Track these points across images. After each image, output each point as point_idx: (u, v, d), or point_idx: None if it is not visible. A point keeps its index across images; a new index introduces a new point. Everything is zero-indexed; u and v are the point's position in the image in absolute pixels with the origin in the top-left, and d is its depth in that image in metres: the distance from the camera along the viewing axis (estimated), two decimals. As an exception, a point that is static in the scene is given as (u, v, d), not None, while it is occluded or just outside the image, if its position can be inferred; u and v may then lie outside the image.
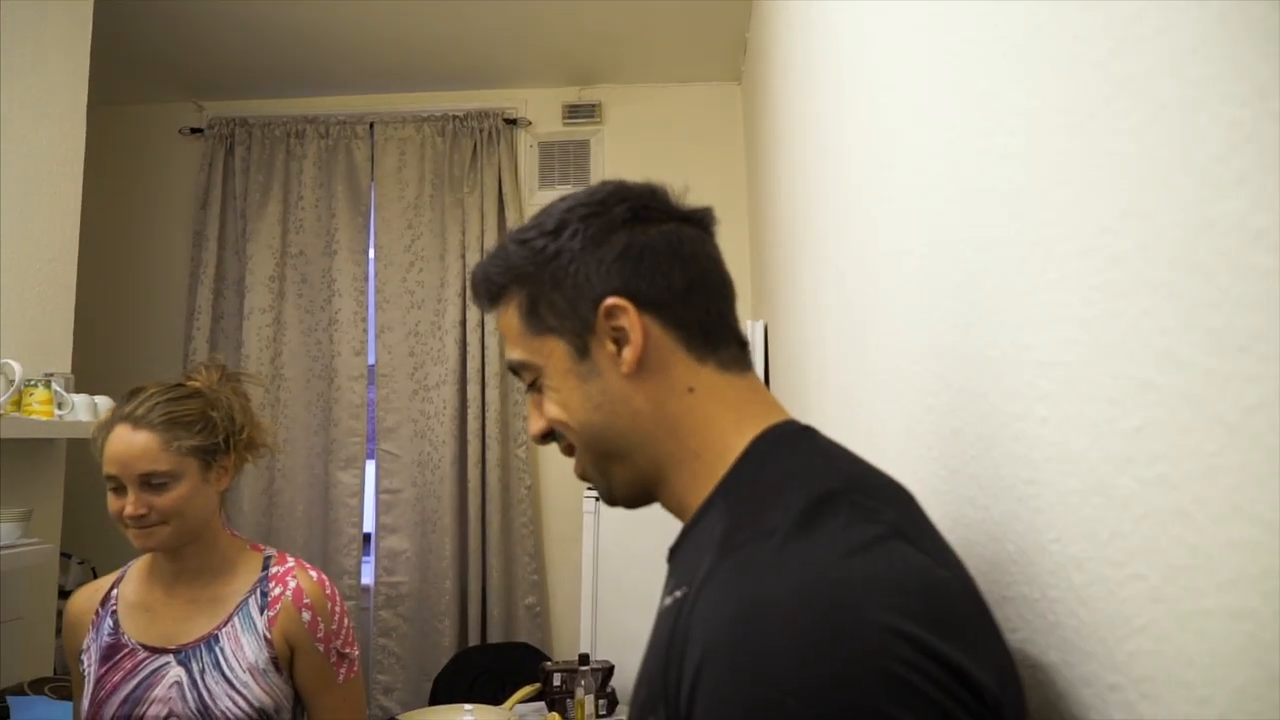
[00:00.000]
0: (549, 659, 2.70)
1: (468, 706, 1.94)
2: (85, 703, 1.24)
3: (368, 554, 3.32)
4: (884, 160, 1.06)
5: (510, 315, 0.71)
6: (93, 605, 1.30)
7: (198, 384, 1.33)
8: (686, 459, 0.67)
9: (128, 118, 3.49)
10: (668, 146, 3.41)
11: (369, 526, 3.30)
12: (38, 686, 1.91)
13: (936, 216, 0.84)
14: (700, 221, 0.73)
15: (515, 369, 0.72)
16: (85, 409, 2.13)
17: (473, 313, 3.25)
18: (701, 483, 0.65)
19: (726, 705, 0.48)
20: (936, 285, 0.83)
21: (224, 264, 3.38)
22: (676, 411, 0.67)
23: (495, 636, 3.11)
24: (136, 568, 1.31)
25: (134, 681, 1.23)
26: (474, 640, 3.12)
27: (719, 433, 0.66)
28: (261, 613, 1.26)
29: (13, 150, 2.14)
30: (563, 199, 0.72)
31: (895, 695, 0.45)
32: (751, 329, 2.60)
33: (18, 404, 1.90)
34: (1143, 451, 0.48)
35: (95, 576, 2.97)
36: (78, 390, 2.16)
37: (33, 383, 1.94)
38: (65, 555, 2.59)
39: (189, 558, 1.27)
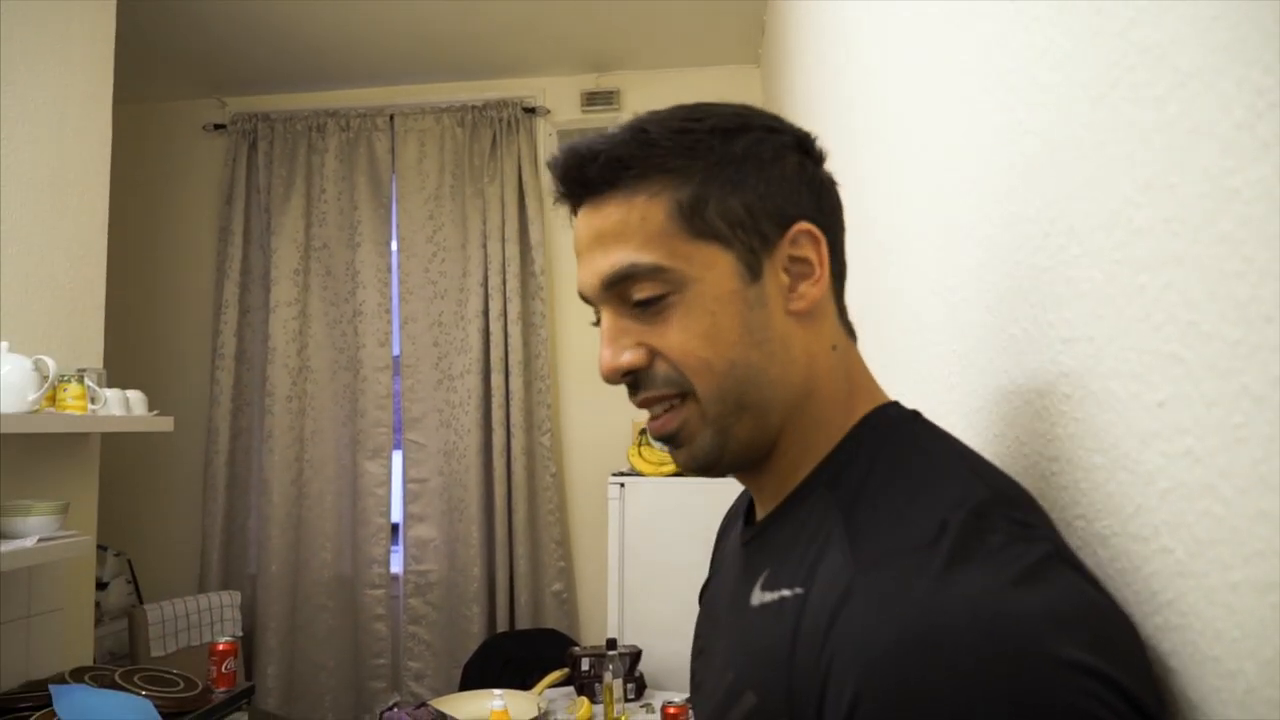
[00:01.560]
0: (576, 644, 2.71)
1: (498, 691, 1.96)
2: None
3: (396, 543, 3.36)
4: (903, 139, 1.05)
5: (649, 209, 0.56)
6: None
7: None
8: (809, 428, 0.58)
9: (152, 115, 3.53)
10: (687, 132, 3.40)
11: (397, 516, 3.34)
12: (78, 675, 1.96)
13: (956, 195, 0.83)
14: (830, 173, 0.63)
15: (633, 276, 0.57)
16: (118, 403, 2.17)
17: (495, 302, 3.26)
18: (806, 459, 0.58)
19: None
20: (957, 263, 0.83)
21: (249, 258, 3.42)
22: (821, 370, 0.59)
23: (523, 623, 3.14)
24: None
25: None
26: (502, 627, 3.15)
27: (841, 405, 0.59)
28: None
29: (41, 149, 2.18)
30: (709, 105, 0.60)
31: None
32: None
33: (52, 399, 1.94)
34: (1168, 425, 0.47)
35: (131, 568, 3.03)
36: (110, 385, 2.20)
37: (66, 378, 1.98)
38: (101, 547, 2.65)
39: None
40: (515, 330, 3.24)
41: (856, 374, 0.61)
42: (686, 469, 0.60)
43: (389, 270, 3.38)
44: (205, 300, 3.46)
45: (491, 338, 3.26)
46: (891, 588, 0.46)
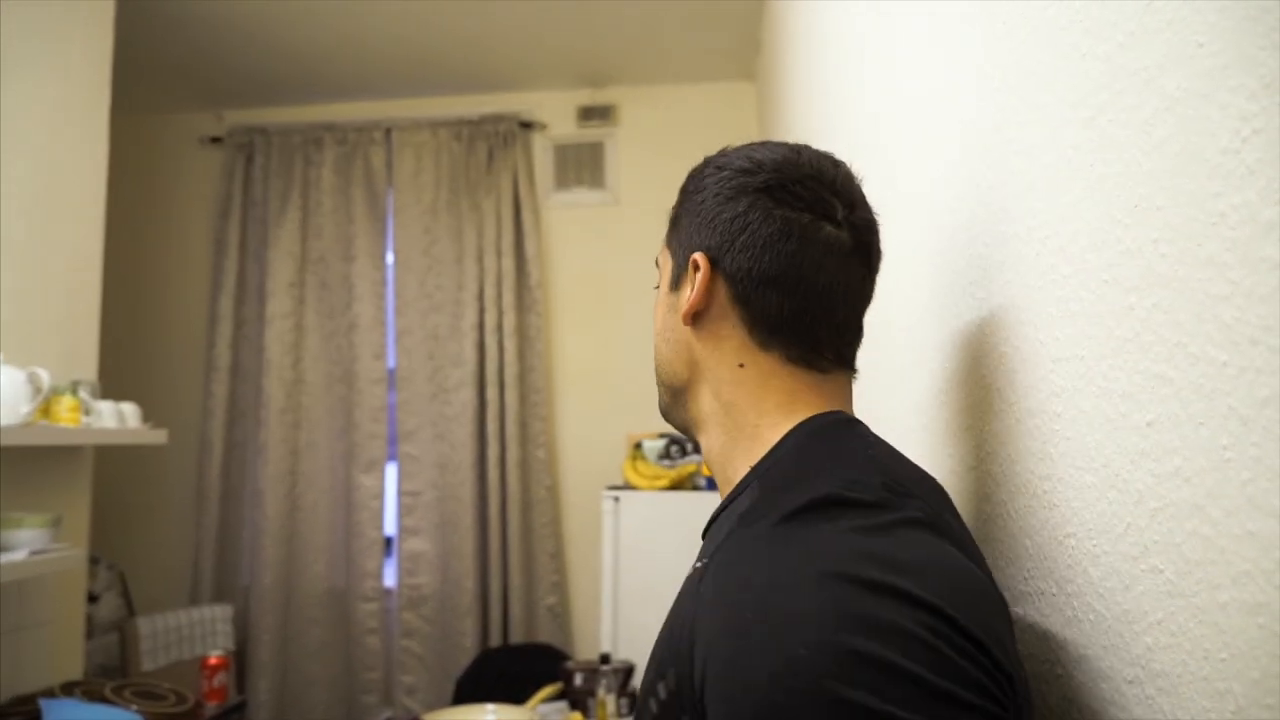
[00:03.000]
0: (570, 659, 2.70)
1: (490, 706, 1.95)
2: None
3: (390, 556, 3.35)
4: (897, 156, 1.06)
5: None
6: None
7: None
8: (730, 429, 0.68)
9: (148, 127, 3.54)
10: (682, 145, 3.40)
11: (390, 529, 3.33)
12: (68, 689, 1.95)
13: (950, 212, 0.84)
14: (859, 225, 0.69)
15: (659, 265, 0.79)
16: (111, 416, 2.16)
17: (490, 316, 3.27)
18: (742, 459, 0.66)
19: (731, 678, 0.48)
20: (950, 281, 0.83)
21: (245, 271, 3.42)
22: (727, 379, 0.69)
23: (517, 637, 3.13)
24: None
25: None
26: (495, 641, 3.14)
27: (764, 414, 0.67)
28: None
29: (37, 160, 2.18)
30: (757, 146, 0.73)
31: (882, 640, 0.45)
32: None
33: (46, 411, 1.94)
34: (1156, 445, 0.47)
35: (123, 581, 3.02)
36: (104, 397, 2.20)
37: (60, 390, 1.98)
38: (93, 559, 2.64)
39: None
40: (510, 344, 3.25)
41: (797, 391, 0.67)
42: None
43: (384, 284, 3.38)
44: (200, 313, 3.46)
45: (486, 351, 3.26)
46: (742, 545, 0.55)
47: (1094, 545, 0.55)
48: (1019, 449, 0.67)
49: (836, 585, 0.48)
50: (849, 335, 0.70)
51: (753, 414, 0.67)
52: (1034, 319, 0.63)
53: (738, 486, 0.65)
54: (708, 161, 0.74)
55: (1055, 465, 0.61)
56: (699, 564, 0.59)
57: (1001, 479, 0.71)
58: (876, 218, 0.71)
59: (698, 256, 0.69)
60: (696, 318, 0.69)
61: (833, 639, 0.46)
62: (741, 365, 0.68)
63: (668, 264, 0.74)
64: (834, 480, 0.56)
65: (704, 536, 0.71)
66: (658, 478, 2.71)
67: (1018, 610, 0.67)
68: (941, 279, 0.87)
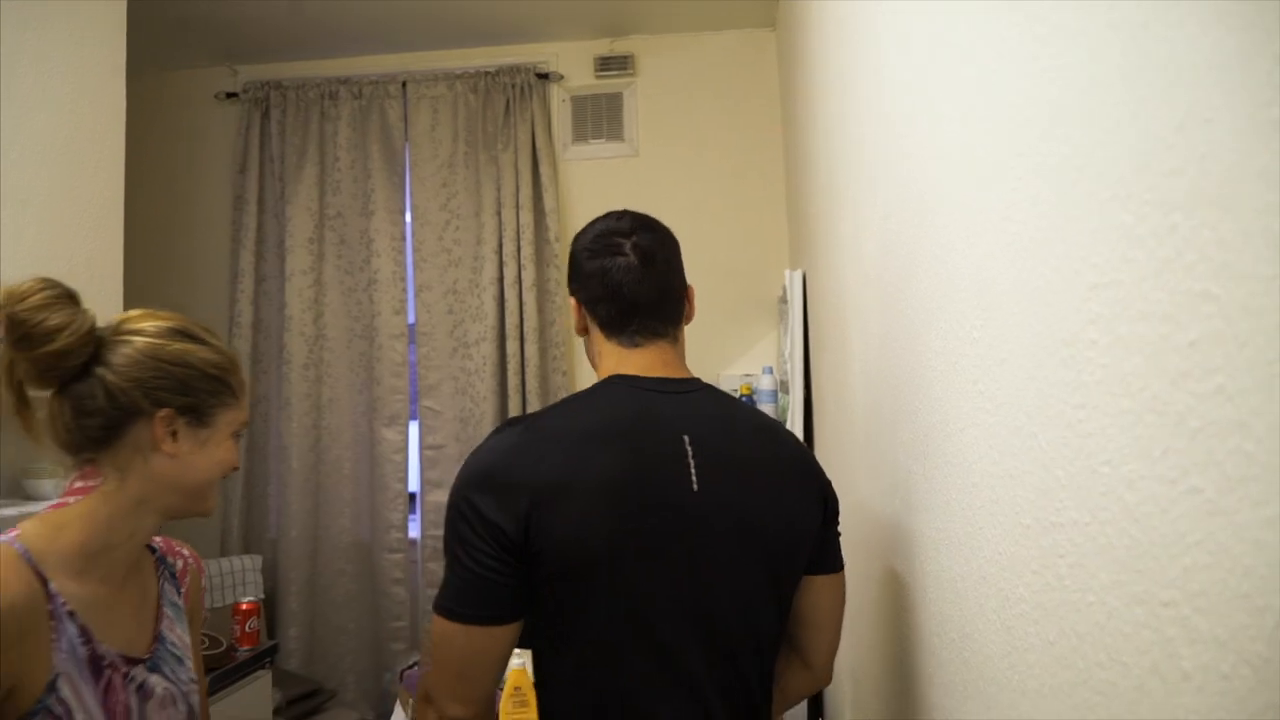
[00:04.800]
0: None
1: (516, 650, 1.98)
2: None
3: (414, 511, 3.39)
4: (926, 97, 1.04)
5: None
6: (42, 610, 0.91)
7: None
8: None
9: (164, 84, 3.53)
10: (702, 95, 3.37)
11: (414, 482, 3.37)
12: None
13: (982, 145, 0.82)
14: (644, 252, 1.13)
15: None
16: (138, 369, 2.18)
17: (509, 269, 3.26)
18: None
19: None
20: (982, 219, 0.82)
21: (264, 227, 3.43)
22: (596, 360, 1.17)
23: (540, 587, 3.17)
24: (52, 561, 0.94)
25: (135, 702, 0.98)
26: (519, 591, 3.18)
27: (601, 371, 1.14)
28: (178, 591, 1.12)
29: (56, 117, 2.18)
30: (595, 223, 1.18)
31: (458, 510, 1.01)
32: (790, 279, 2.58)
33: (75, 364, 1.96)
34: (1198, 366, 0.47)
35: (154, 533, 3.07)
36: (130, 351, 2.22)
37: (88, 344, 2.00)
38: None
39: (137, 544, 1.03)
40: (530, 297, 3.24)
41: (608, 363, 1.13)
42: None
43: (403, 238, 3.38)
44: (221, 269, 3.47)
45: (506, 305, 3.26)
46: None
47: (1130, 471, 0.55)
48: (1052, 379, 0.66)
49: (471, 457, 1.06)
50: (660, 315, 1.13)
51: (599, 372, 1.15)
52: (1071, 247, 0.62)
53: None
54: (576, 244, 1.18)
55: (1090, 393, 0.60)
56: None
57: (1033, 412, 0.71)
58: (653, 234, 1.14)
59: (571, 297, 1.18)
60: (582, 330, 1.18)
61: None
62: (599, 352, 1.16)
63: (570, 302, 1.19)
64: (548, 410, 1.09)
65: None
66: (678, 429, 2.72)
67: (1048, 540, 0.67)
68: (973, 217, 0.85)
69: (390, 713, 2.17)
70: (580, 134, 3.41)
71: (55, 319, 0.94)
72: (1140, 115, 0.52)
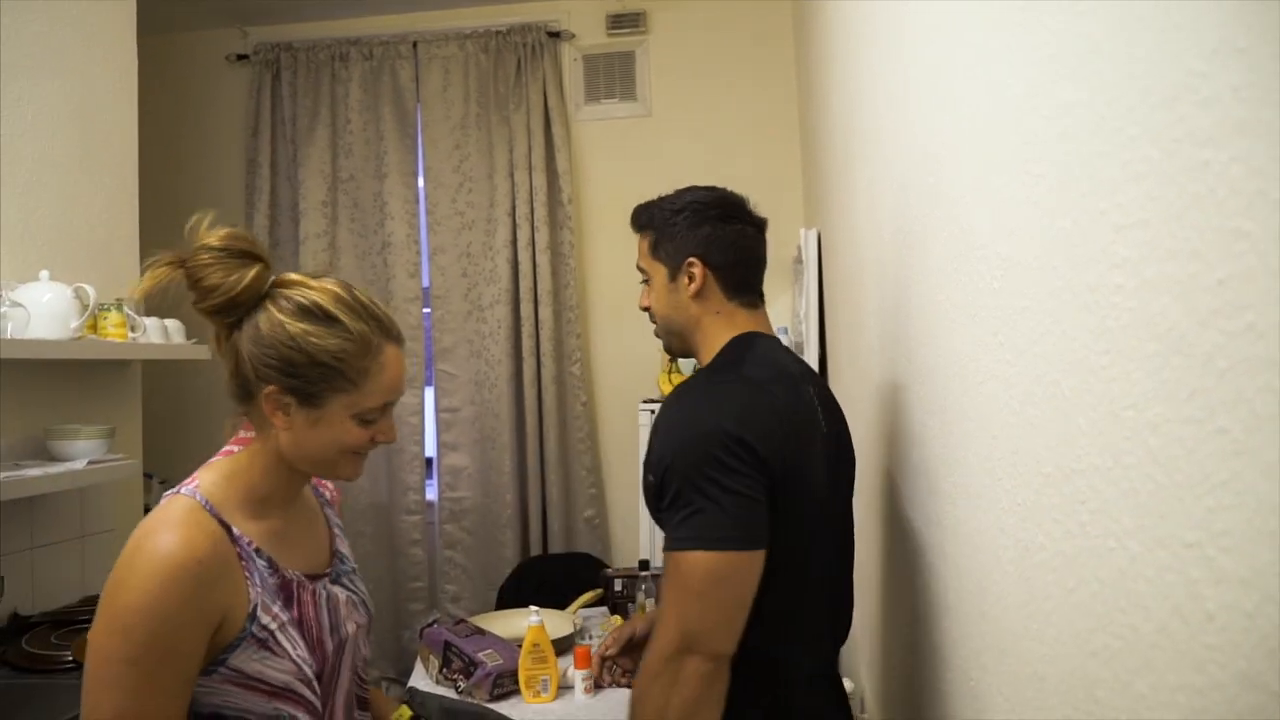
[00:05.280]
0: (609, 567, 2.77)
1: (534, 608, 2.01)
2: (299, 651, 1.02)
3: (430, 474, 3.42)
4: (945, 51, 1.01)
5: (644, 242, 1.30)
6: (229, 548, 1.00)
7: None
8: (707, 344, 1.26)
9: (173, 46, 3.51)
10: (716, 54, 3.32)
11: (430, 446, 3.39)
12: (132, 591, 2.02)
13: (1002, 93, 0.80)
14: (758, 224, 1.29)
15: (640, 269, 1.31)
16: (157, 332, 2.20)
17: (523, 232, 3.25)
18: (710, 356, 1.24)
19: (663, 457, 1.11)
20: (1003, 162, 0.81)
21: (277, 190, 3.42)
22: (707, 320, 1.26)
23: (556, 548, 3.21)
24: (230, 507, 1.03)
25: (325, 611, 1.09)
26: (535, 551, 3.22)
27: (724, 334, 1.24)
28: (332, 509, 1.25)
29: (69, 83, 2.17)
30: (689, 190, 1.27)
31: (712, 440, 1.07)
32: (805, 238, 2.56)
33: (94, 327, 1.98)
34: (1228, 304, 0.46)
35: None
36: (146, 315, 2.24)
37: (105, 307, 2.01)
38: (147, 475, 2.72)
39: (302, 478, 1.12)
40: (544, 260, 3.24)
41: (741, 323, 1.25)
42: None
43: (416, 201, 3.37)
44: (236, 233, 3.48)
45: (520, 268, 3.26)
46: (671, 401, 1.18)
47: (1154, 414, 0.54)
48: (1075, 325, 0.65)
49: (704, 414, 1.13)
50: (762, 280, 1.29)
51: (718, 335, 1.24)
52: (1095, 187, 0.61)
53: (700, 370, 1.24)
54: (661, 205, 1.28)
55: (1115, 339, 0.59)
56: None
57: (1055, 360, 0.70)
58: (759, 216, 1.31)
59: (694, 259, 1.24)
60: (697, 293, 1.24)
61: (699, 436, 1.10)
62: (718, 312, 1.25)
63: (659, 268, 1.27)
64: (734, 363, 1.19)
65: None
66: (693, 391, 2.72)
67: (1069, 488, 0.67)
68: (992, 160, 0.84)
69: (410, 670, 2.20)
70: (593, 94, 3.37)
71: (211, 279, 1.01)
72: (1170, 44, 0.50)
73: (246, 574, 1.00)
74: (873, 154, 1.57)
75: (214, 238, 1.03)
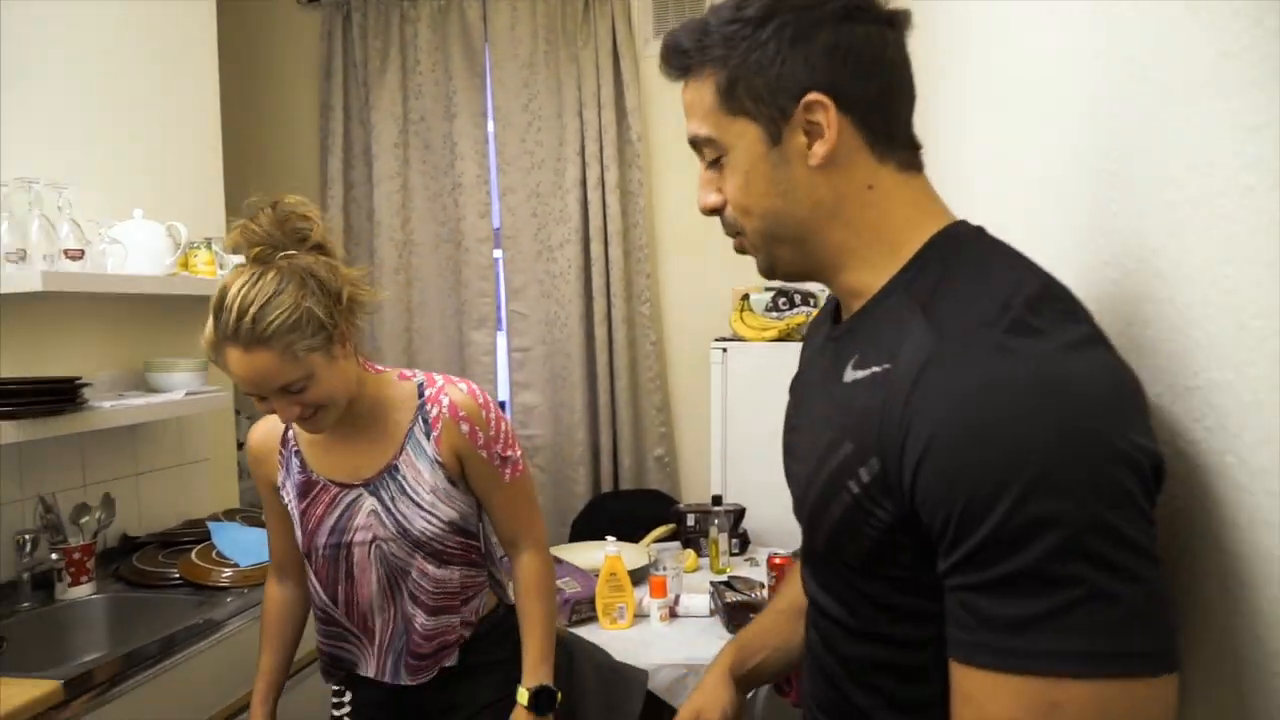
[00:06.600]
0: (680, 504, 2.80)
1: (610, 539, 2.06)
2: (298, 531, 1.34)
3: (504, 411, 3.48)
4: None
5: (703, 91, 0.72)
6: (275, 442, 1.37)
7: (274, 268, 1.21)
8: (861, 249, 0.72)
9: (248, -10, 3.54)
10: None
11: (503, 386, 3.46)
12: (230, 515, 2.14)
13: (1096, 10, 0.76)
14: (899, 24, 0.71)
15: (697, 143, 0.75)
16: (243, 270, 2.27)
17: (592, 171, 3.24)
18: (879, 271, 0.71)
19: (960, 467, 0.57)
20: (1098, 92, 0.77)
21: (350, 134, 3.46)
22: (855, 206, 0.71)
23: (627, 485, 3.26)
24: None
25: (336, 513, 1.32)
26: (607, 488, 3.28)
27: (895, 227, 0.71)
28: (428, 437, 1.31)
29: (149, 33, 2.22)
30: None
31: (1117, 460, 0.54)
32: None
33: (185, 264, 2.05)
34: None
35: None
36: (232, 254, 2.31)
37: (195, 245, 2.08)
38: (236, 411, 2.83)
39: (350, 412, 1.28)
40: (613, 199, 3.22)
41: (915, 201, 0.72)
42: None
43: (486, 141, 3.38)
44: (312, 177, 3.54)
45: (590, 207, 3.25)
46: (963, 354, 0.59)
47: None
48: (1200, 239, 0.63)
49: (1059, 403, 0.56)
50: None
51: (884, 230, 0.71)
52: (1224, 91, 0.58)
53: (879, 295, 0.71)
54: (725, 19, 0.70)
55: (1242, 247, 0.57)
56: (878, 368, 0.66)
57: (1168, 275, 0.67)
58: None
59: (816, 97, 0.67)
60: (828, 158, 0.69)
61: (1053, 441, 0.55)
62: (870, 187, 0.70)
63: (746, 130, 0.71)
64: (1011, 291, 0.61)
65: (809, 337, 0.87)
66: (766, 329, 2.71)
67: (1183, 405, 0.65)
68: (1086, 88, 0.80)
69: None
70: (661, 27, 3.31)
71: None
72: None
73: (282, 462, 1.36)
74: (965, 53, 1.51)
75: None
